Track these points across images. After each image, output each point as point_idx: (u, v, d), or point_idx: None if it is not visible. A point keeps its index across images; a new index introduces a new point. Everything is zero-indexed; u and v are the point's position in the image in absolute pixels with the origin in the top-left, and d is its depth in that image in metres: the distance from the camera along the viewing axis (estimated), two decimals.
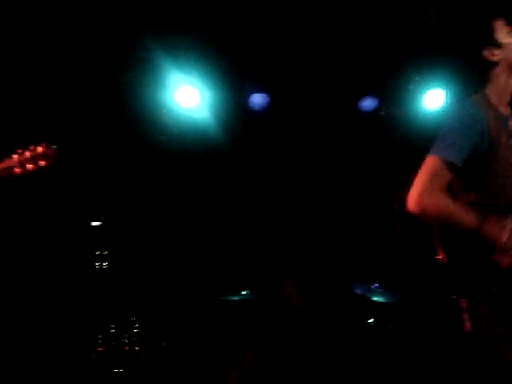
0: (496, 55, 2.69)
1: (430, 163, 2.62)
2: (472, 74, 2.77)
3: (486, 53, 2.70)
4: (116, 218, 5.69)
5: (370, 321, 5.29)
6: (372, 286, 5.34)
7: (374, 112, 5.92)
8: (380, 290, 5.34)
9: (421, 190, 2.59)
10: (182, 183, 5.91)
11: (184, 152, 5.79)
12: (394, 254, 5.74)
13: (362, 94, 5.82)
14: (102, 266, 5.58)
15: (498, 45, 2.68)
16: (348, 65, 5.57)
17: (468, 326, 2.60)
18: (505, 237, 2.49)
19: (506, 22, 2.68)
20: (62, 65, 5.00)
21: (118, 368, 5.14)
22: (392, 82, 5.70)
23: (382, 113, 5.96)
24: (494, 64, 2.70)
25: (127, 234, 5.68)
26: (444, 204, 2.56)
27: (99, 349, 5.21)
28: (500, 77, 2.71)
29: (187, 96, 5.50)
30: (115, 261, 5.58)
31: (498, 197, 2.60)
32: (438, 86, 5.49)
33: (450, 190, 2.66)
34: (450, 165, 2.58)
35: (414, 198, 2.59)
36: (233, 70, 5.49)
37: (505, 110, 2.71)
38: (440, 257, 2.65)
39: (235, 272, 5.79)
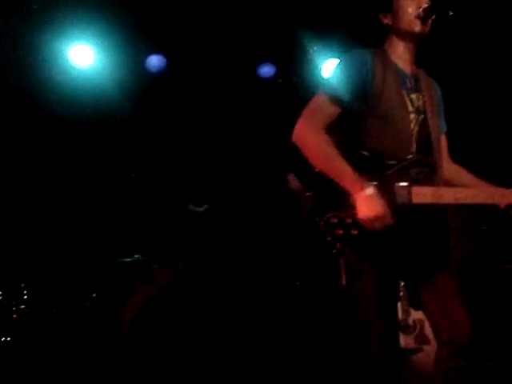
0: (387, 19, 2.81)
1: (315, 99, 2.72)
2: (367, 44, 2.84)
3: (380, 16, 2.83)
4: (1, 182, 5.45)
5: None
6: None
7: (272, 79, 5.93)
8: None
9: (301, 122, 2.68)
10: (75, 147, 5.72)
11: (77, 113, 5.58)
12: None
13: (260, 61, 5.82)
14: None
15: (391, 10, 2.79)
16: (247, 30, 5.53)
17: (343, 280, 2.68)
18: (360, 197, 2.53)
19: None
20: None
21: (5, 336, 4.97)
22: (291, 50, 5.71)
23: (280, 80, 5.98)
24: (388, 28, 2.82)
25: (12, 197, 5.46)
26: (319, 140, 2.65)
27: None
28: (393, 39, 2.82)
29: (81, 55, 5.32)
30: (3, 224, 5.35)
31: (365, 140, 2.67)
32: (337, 56, 5.54)
33: None
34: (334, 101, 2.66)
35: (295, 130, 2.68)
36: (130, 30, 5.33)
37: (407, 68, 2.81)
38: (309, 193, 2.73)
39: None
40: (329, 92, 2.69)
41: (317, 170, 2.67)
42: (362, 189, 2.53)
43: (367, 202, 2.51)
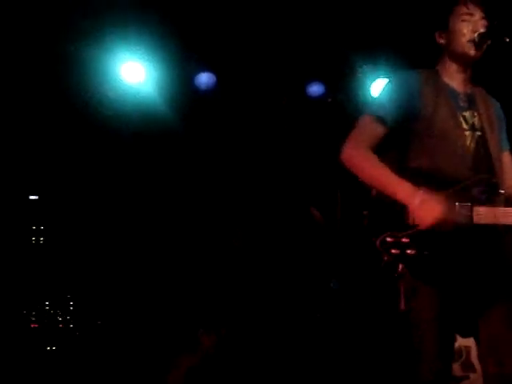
0: (443, 39, 2.79)
1: (361, 121, 2.76)
2: (416, 65, 2.83)
3: (436, 35, 2.81)
4: (54, 193, 5.57)
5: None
6: None
7: (321, 98, 5.92)
8: None
9: (348, 142, 2.73)
10: (125, 161, 5.82)
11: (128, 129, 5.68)
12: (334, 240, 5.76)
13: (309, 80, 5.82)
14: (38, 240, 5.48)
15: (447, 29, 2.76)
16: (296, 49, 5.54)
17: (402, 304, 2.64)
18: (414, 204, 2.52)
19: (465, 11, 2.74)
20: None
21: (51, 346, 5.06)
22: (340, 69, 5.70)
23: (330, 99, 5.96)
24: (442, 47, 2.81)
25: (65, 210, 5.58)
26: (367, 157, 2.69)
27: (33, 325, 5.13)
28: (446, 59, 2.80)
29: (132, 72, 5.41)
30: (51, 236, 5.48)
31: (419, 159, 2.65)
32: (386, 77, 5.51)
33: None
34: (378, 121, 2.69)
35: (343, 150, 2.73)
36: (180, 48, 5.42)
37: (460, 87, 2.79)
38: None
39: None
40: (374, 113, 2.72)
41: (371, 188, 2.68)
42: (416, 194, 2.52)
43: (424, 206, 2.50)
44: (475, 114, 2.75)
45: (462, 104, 2.75)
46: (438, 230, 2.50)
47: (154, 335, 5.00)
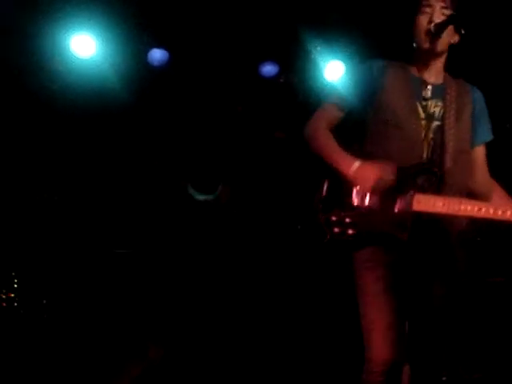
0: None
1: (321, 107, 2.96)
2: (373, 49, 2.87)
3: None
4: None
5: None
6: None
7: (273, 78, 5.90)
8: None
9: (309, 123, 2.93)
10: (74, 137, 5.68)
11: (77, 103, 5.54)
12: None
13: (262, 59, 5.78)
14: None
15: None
16: (251, 28, 5.50)
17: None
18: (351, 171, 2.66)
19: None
20: None
21: None
22: (294, 50, 5.68)
23: (282, 80, 5.95)
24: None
25: (7, 187, 5.42)
26: (321, 133, 2.86)
27: None
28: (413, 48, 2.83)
29: (83, 45, 5.25)
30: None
31: (373, 145, 2.77)
32: (340, 59, 5.51)
33: None
34: (337, 104, 2.88)
35: (304, 129, 2.93)
36: (133, 23, 5.30)
37: (428, 77, 2.81)
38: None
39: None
40: (332, 96, 2.94)
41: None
42: (352, 163, 2.66)
43: (361, 172, 2.63)
44: (438, 104, 2.76)
45: (423, 93, 2.76)
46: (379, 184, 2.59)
47: (100, 328, 4.93)
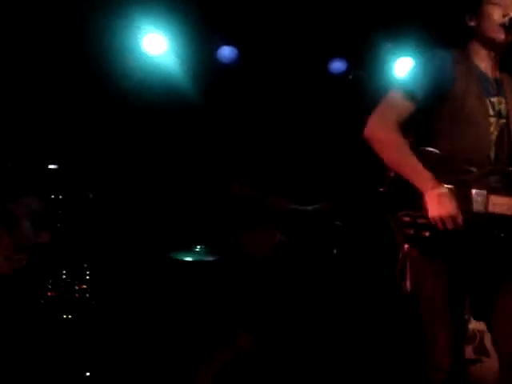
0: (473, 21, 2.73)
1: (389, 95, 2.68)
2: (443, 45, 2.79)
3: (466, 17, 2.75)
4: (74, 164, 5.57)
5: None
6: None
7: (342, 75, 5.87)
8: None
9: (373, 118, 2.65)
10: (144, 133, 5.81)
11: (148, 101, 5.67)
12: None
13: (331, 56, 5.77)
14: (56, 211, 5.47)
15: (477, 12, 2.70)
16: (320, 25, 5.49)
17: (408, 285, 2.65)
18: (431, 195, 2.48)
19: None
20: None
21: (67, 314, 5.09)
22: (363, 47, 5.64)
23: (351, 76, 5.91)
24: (472, 29, 2.74)
25: (84, 181, 5.57)
26: (391, 136, 2.61)
27: (49, 293, 5.15)
28: (476, 42, 2.76)
29: (154, 43, 5.41)
30: (69, 206, 5.48)
31: (439, 142, 2.63)
32: (409, 55, 5.44)
33: None
34: (408, 97, 2.61)
35: (366, 126, 2.64)
36: (202, 21, 5.39)
37: (489, 72, 2.74)
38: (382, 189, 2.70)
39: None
40: (405, 88, 2.65)
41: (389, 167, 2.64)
42: (434, 187, 2.48)
43: (438, 201, 2.46)
44: (502, 101, 2.71)
45: (490, 89, 2.71)
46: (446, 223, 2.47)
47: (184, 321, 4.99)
